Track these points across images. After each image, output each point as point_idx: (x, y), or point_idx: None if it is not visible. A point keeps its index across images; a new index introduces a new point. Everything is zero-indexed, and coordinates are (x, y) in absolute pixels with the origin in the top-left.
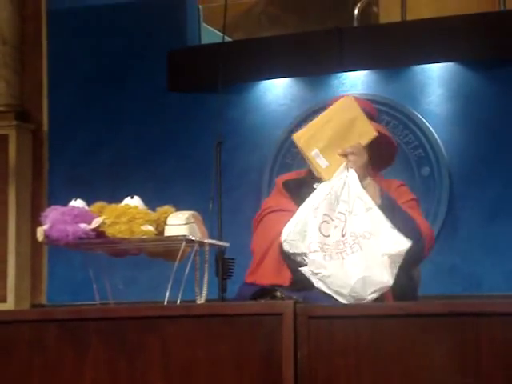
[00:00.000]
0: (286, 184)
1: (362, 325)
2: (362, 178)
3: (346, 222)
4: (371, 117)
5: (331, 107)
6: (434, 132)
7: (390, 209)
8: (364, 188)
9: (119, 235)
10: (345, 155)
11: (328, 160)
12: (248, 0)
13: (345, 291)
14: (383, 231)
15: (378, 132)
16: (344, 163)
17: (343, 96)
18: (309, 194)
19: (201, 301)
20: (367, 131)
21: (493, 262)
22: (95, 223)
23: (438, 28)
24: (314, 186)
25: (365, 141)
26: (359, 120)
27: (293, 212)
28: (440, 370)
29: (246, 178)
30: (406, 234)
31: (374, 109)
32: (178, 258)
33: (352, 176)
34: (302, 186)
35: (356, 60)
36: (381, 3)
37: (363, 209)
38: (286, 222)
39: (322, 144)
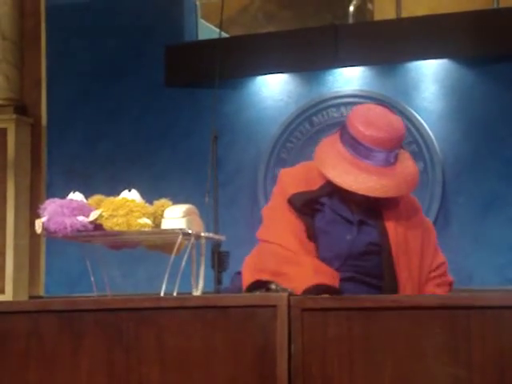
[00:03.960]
0: (293, 200)
1: (355, 317)
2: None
3: None
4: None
5: None
6: (427, 128)
7: None
8: None
9: (116, 228)
10: None
11: None
12: None
13: None
14: None
15: None
16: None
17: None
18: (316, 210)
19: (197, 293)
20: None
21: (484, 257)
22: (93, 216)
23: (432, 25)
24: (322, 200)
25: None
26: None
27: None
28: (432, 362)
29: (242, 173)
30: None
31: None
32: (175, 250)
33: None
34: (310, 203)
35: (351, 56)
36: (376, 0)
37: None
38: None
39: None
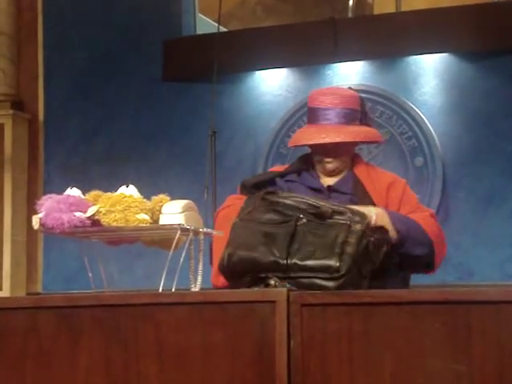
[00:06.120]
0: (243, 184)
1: (355, 312)
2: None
3: None
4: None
5: None
6: (427, 122)
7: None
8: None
9: (114, 224)
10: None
11: None
12: None
13: None
14: None
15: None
16: None
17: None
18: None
19: (195, 289)
20: None
21: (485, 252)
22: (90, 211)
23: (432, 19)
24: (290, 177)
25: None
26: None
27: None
28: (432, 357)
29: (241, 168)
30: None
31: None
32: (173, 246)
33: None
34: (262, 185)
35: (350, 50)
36: None
37: None
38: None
39: None
